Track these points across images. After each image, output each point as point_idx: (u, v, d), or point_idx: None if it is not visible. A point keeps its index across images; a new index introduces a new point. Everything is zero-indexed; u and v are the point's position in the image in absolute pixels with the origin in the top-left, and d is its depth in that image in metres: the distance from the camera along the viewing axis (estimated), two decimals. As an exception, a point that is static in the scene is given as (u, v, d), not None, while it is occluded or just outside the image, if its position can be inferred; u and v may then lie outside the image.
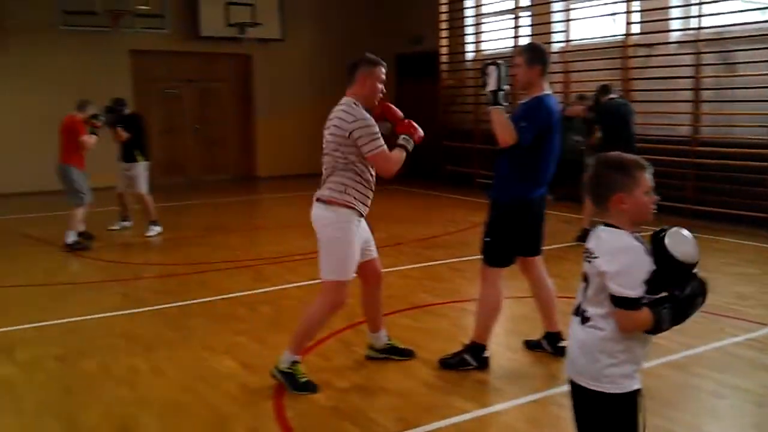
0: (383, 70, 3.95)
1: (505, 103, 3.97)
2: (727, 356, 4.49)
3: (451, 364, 4.19)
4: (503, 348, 4.58)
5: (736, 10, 8.92)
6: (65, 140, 7.95)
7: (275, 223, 9.94)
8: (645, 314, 2.12)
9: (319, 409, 3.73)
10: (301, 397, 3.84)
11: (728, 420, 3.75)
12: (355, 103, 3.86)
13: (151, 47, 13.39)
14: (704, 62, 9.40)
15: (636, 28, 10.27)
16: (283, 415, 3.65)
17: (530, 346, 4.55)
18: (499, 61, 4.00)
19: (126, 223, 9.07)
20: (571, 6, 11.29)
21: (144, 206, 8.72)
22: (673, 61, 9.75)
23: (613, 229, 2.21)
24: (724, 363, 4.37)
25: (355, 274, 4.01)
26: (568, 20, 11.27)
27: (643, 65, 10.28)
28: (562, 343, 4.41)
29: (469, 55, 13.66)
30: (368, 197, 3.96)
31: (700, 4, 9.43)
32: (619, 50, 10.31)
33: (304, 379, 3.91)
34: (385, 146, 3.81)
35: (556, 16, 11.61)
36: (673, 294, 2.14)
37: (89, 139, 7.94)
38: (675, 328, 2.19)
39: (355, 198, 3.87)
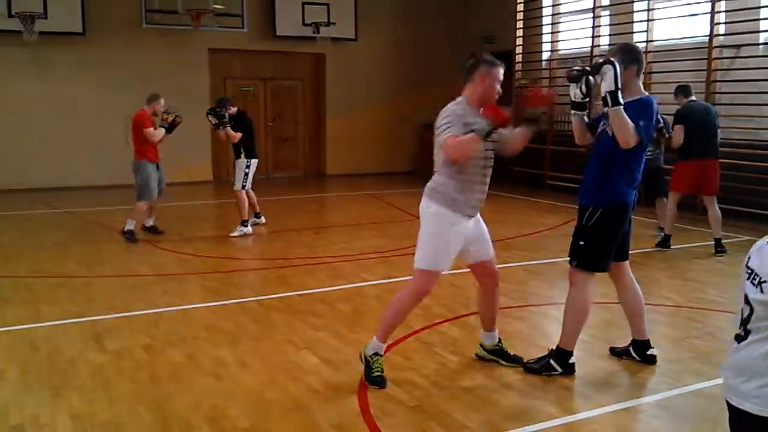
0: (501, 71, 3.90)
1: (622, 102, 3.83)
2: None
3: (536, 369, 4.13)
4: (588, 354, 4.48)
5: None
6: (134, 135, 8.21)
7: (346, 220, 9.99)
8: None
9: (404, 408, 3.72)
10: (384, 395, 3.85)
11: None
12: (459, 102, 3.85)
13: (229, 46, 13.66)
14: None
15: (721, 29, 9.94)
16: (368, 411, 3.65)
17: (617, 353, 4.44)
18: (612, 59, 3.88)
19: (257, 220, 9.12)
20: (654, 6, 10.98)
21: (238, 203, 8.57)
22: (762, 63, 9.40)
23: None
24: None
25: (447, 269, 4.01)
26: (650, 20, 10.97)
27: (728, 67, 9.94)
28: (651, 351, 4.31)
29: (545, 55, 13.46)
30: (470, 197, 3.90)
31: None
32: (703, 51, 9.99)
33: (376, 373, 3.95)
34: (452, 132, 3.68)
35: (637, 16, 11.33)
36: None
37: (153, 132, 8.11)
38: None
39: (451, 198, 3.85)
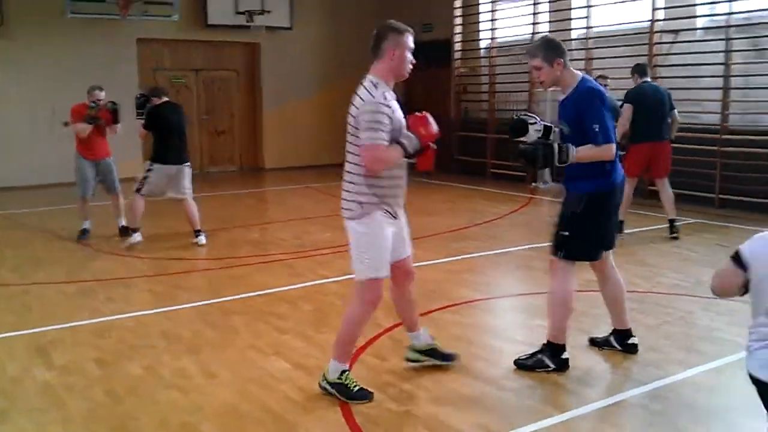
0: (411, 38, 3.60)
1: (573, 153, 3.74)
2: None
3: (529, 365, 3.96)
4: (568, 346, 4.34)
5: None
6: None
7: (291, 215, 9.66)
8: None
9: (391, 415, 3.50)
10: (368, 402, 3.61)
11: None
12: (376, 84, 3.53)
13: (159, 35, 13.07)
14: (733, 48, 9.18)
15: (661, 14, 10.05)
16: (353, 422, 3.42)
17: (597, 343, 4.34)
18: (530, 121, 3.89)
19: (197, 239, 7.62)
20: (593, -8, 11.04)
21: (130, 208, 7.59)
22: (700, 47, 9.54)
23: None
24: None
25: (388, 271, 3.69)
26: (590, 6, 11.01)
27: (667, 52, 10.06)
28: (632, 340, 4.22)
29: (484, 43, 13.40)
30: (396, 194, 3.62)
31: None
32: (643, 37, 10.08)
33: (357, 387, 3.64)
34: (383, 141, 3.41)
35: (576, 2, 11.37)
36: None
37: (77, 126, 7.58)
38: None
39: (377, 200, 3.54)
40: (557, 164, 3.75)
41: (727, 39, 9.16)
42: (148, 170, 7.44)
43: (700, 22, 9.83)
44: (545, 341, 4.00)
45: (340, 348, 3.69)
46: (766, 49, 8.96)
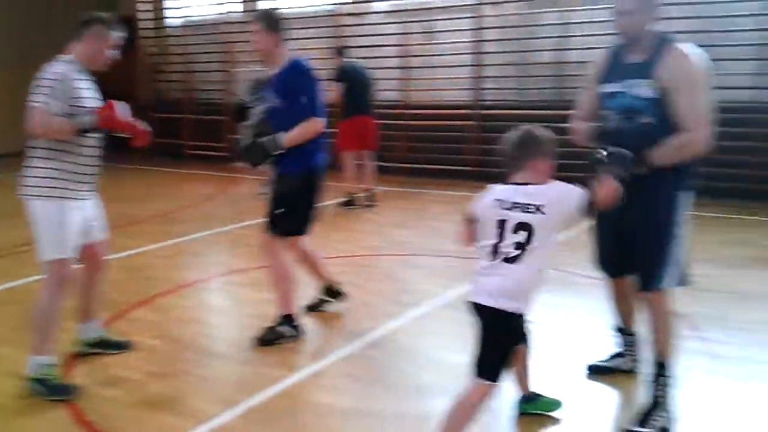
0: (118, 36, 3.62)
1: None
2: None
3: (270, 340, 4.07)
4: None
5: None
6: None
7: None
8: None
9: (125, 407, 3.40)
10: (98, 398, 3.47)
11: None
12: (65, 61, 3.48)
13: None
14: (409, 31, 10.14)
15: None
16: (85, 421, 3.27)
17: (313, 308, 4.60)
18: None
19: None
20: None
21: None
22: (380, 30, 10.39)
23: None
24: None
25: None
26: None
27: (352, 34, 10.76)
28: (338, 288, 4.63)
29: (176, 21, 13.05)
30: (79, 172, 3.52)
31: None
32: (330, 19, 10.66)
33: (55, 381, 3.48)
34: (48, 106, 3.33)
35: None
36: None
37: None
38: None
39: (58, 174, 3.45)
40: (272, 154, 3.96)
41: (403, 22, 10.09)
42: None
43: (378, 6, 10.66)
44: (279, 314, 4.15)
45: (36, 340, 3.51)
46: (434, 31, 10.05)
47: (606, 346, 3.74)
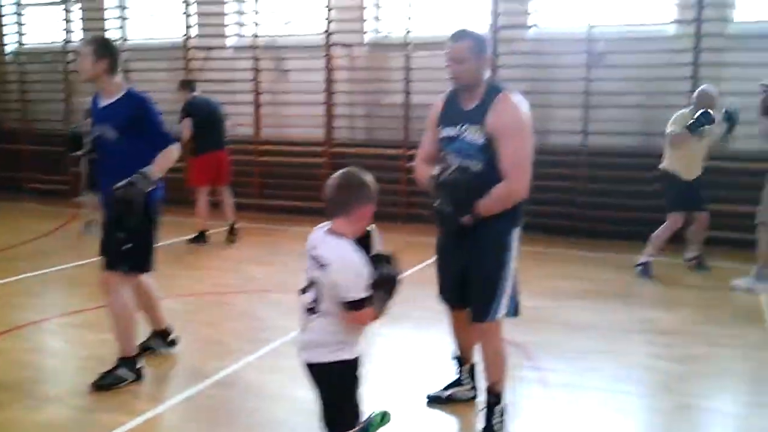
0: None
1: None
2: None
3: (107, 384, 3.89)
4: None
5: (289, 21, 9.86)
6: None
7: None
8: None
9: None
10: None
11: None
12: None
13: None
14: (260, 68, 10.18)
15: (194, 31, 10.58)
16: None
17: (144, 347, 4.39)
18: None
19: None
20: (126, 3, 11.05)
21: None
22: (232, 65, 10.35)
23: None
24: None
25: None
26: (123, 18, 11.03)
27: (202, 68, 10.64)
28: (172, 337, 4.50)
29: (8, 48, 12.32)
30: None
31: (254, 13, 10.19)
32: (179, 52, 10.50)
33: None
34: None
35: (109, 13, 11.25)
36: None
37: None
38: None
39: None
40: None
41: (255, 58, 10.11)
42: None
43: (230, 41, 10.63)
44: (119, 357, 3.99)
45: None
46: (287, 69, 10.15)
47: (446, 375, 3.90)
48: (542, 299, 5.86)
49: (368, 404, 3.20)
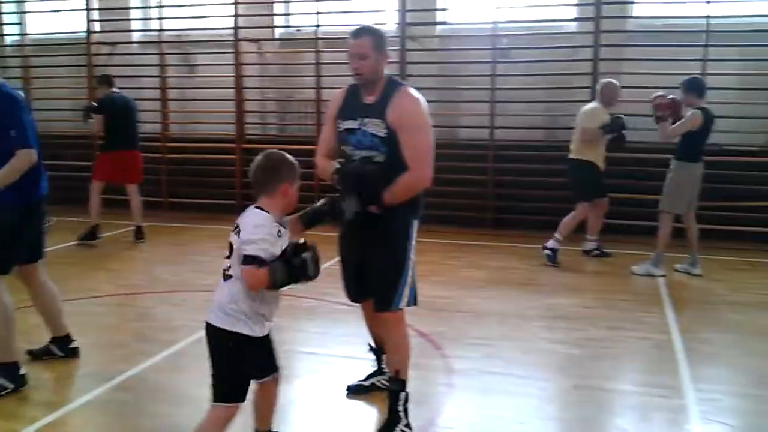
0: None
1: None
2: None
3: None
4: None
5: (196, 15, 9.65)
6: None
7: None
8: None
9: None
10: None
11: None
12: None
13: None
14: (167, 63, 9.95)
15: (97, 26, 10.26)
16: None
17: (35, 354, 4.25)
18: None
19: None
20: (25, -1, 10.62)
21: None
22: (137, 60, 10.08)
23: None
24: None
25: None
26: (23, 12, 10.58)
27: (106, 63, 10.32)
28: (73, 344, 4.35)
29: None
30: None
31: (159, 7, 9.95)
32: (82, 47, 10.15)
33: None
34: None
35: (6, 7, 10.77)
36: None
37: None
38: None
39: None
40: None
41: (161, 53, 9.87)
42: None
43: (135, 36, 10.35)
44: None
45: None
46: (195, 64, 9.97)
47: (365, 366, 3.95)
48: (451, 289, 5.98)
49: (294, 397, 3.26)
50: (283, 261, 2.64)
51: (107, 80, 7.88)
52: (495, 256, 7.35)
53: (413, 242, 3.39)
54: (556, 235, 6.96)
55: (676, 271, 6.55)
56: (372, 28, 3.36)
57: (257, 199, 2.77)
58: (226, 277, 2.74)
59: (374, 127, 3.27)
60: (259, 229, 2.65)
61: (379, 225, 3.28)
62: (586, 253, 7.30)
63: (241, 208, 2.80)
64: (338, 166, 3.39)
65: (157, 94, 9.95)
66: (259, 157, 2.79)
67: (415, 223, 3.41)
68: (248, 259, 2.60)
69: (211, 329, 2.74)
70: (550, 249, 6.94)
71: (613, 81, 7.02)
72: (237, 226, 2.73)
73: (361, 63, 3.27)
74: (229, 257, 2.74)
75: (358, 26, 3.36)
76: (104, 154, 7.76)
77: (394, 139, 3.24)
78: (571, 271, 6.81)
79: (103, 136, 7.71)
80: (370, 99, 3.34)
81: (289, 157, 2.82)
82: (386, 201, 3.23)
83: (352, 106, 3.39)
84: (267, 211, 2.72)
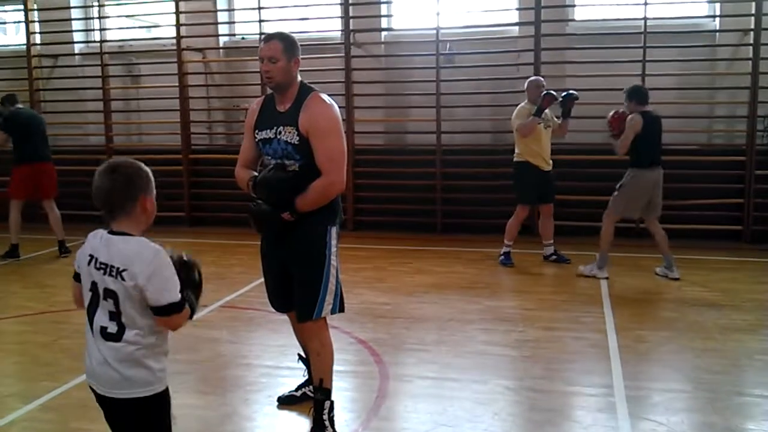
0: None
1: None
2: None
3: None
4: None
5: (138, 26, 9.55)
6: None
7: None
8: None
9: None
10: None
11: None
12: None
13: None
14: (110, 74, 9.80)
15: (38, 38, 10.07)
16: None
17: None
18: None
19: None
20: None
21: None
22: (80, 72, 9.91)
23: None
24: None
25: None
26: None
27: (48, 76, 10.15)
28: None
29: None
30: None
31: (101, 18, 9.80)
32: (23, 60, 9.94)
33: None
34: None
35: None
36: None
37: None
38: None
39: None
40: None
41: (104, 65, 9.72)
42: None
43: (77, 48, 10.17)
44: None
45: None
46: (139, 75, 9.83)
47: (295, 376, 3.92)
48: (394, 296, 5.97)
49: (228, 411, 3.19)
50: (188, 286, 2.30)
51: (12, 98, 7.82)
52: (442, 261, 7.35)
53: (333, 249, 3.36)
54: (505, 240, 7.02)
55: (656, 275, 6.55)
56: (283, 33, 3.36)
57: (110, 223, 2.26)
58: (108, 336, 2.22)
59: (288, 135, 3.26)
60: (157, 262, 2.18)
61: (294, 235, 3.26)
62: (545, 258, 7.30)
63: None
64: (255, 174, 3.36)
65: (100, 106, 9.79)
66: (102, 172, 2.22)
67: (334, 230, 3.38)
68: (174, 308, 2.19)
69: (125, 404, 2.24)
70: (502, 254, 7.05)
71: (537, 78, 7.12)
72: (106, 265, 2.19)
73: (271, 66, 3.26)
74: (93, 307, 2.24)
75: (270, 32, 3.39)
76: (17, 168, 7.63)
77: (308, 145, 3.22)
78: (518, 273, 6.84)
79: (14, 150, 7.60)
80: (283, 107, 3.33)
81: (137, 162, 2.30)
82: (299, 208, 3.20)
83: (267, 116, 3.39)
84: (133, 234, 2.25)
